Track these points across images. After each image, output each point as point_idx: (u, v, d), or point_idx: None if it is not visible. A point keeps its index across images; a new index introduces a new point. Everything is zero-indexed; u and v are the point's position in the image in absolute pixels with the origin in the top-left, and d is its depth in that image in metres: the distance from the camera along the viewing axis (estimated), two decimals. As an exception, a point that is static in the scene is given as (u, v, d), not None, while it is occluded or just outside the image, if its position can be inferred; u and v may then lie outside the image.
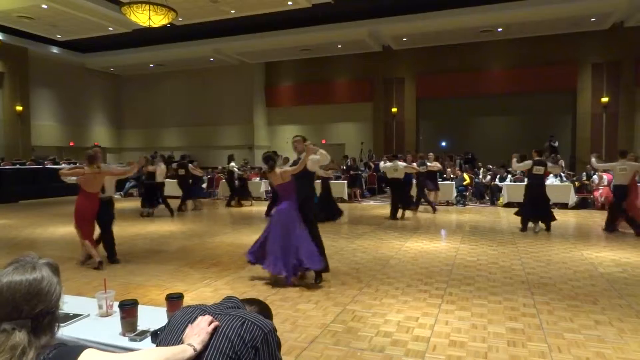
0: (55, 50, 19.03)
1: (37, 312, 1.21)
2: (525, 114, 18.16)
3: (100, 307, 2.20)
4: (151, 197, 11.11)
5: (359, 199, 13.98)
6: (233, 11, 14.28)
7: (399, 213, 10.17)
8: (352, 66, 19.93)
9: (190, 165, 12.15)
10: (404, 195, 10.36)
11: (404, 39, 16.99)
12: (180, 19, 13.71)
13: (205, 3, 13.48)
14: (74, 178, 5.93)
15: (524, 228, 8.26)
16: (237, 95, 20.91)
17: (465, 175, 13.45)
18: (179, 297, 2.08)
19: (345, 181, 14.02)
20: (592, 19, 14.37)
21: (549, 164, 8.00)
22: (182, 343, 1.39)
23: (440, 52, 17.93)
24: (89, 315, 2.18)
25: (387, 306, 4.19)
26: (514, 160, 8.83)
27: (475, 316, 3.90)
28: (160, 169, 11.10)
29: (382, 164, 10.97)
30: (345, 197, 13.76)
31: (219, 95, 21.23)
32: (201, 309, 1.51)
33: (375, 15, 15.42)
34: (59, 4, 13.42)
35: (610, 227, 8.17)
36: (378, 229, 8.81)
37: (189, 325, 1.44)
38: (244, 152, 19.60)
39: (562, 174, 12.43)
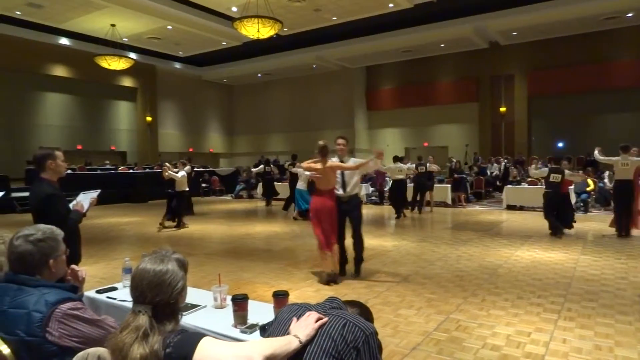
0: (177, 65, 21.31)
1: (157, 300, 1.33)
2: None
3: (215, 299, 2.40)
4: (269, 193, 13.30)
5: (464, 204, 13.35)
6: (334, 18, 14.62)
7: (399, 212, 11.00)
8: (455, 65, 19.16)
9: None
10: (403, 196, 11.26)
11: (514, 34, 15.89)
12: (285, 30, 14.40)
13: (308, 12, 14.00)
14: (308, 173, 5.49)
15: (553, 233, 8.19)
16: (338, 100, 21.31)
17: (589, 180, 12.01)
18: (285, 294, 2.17)
19: (449, 185, 13.51)
20: None
21: (568, 172, 8.14)
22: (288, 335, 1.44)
23: (555, 45, 16.46)
24: (205, 306, 2.39)
25: (494, 318, 3.95)
26: (532, 166, 8.96)
27: (599, 336, 3.50)
28: (180, 176, 9.84)
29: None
30: (449, 201, 13.29)
31: (321, 100, 21.84)
32: (306, 307, 1.57)
33: (480, 11, 14.65)
34: (181, 24, 15.06)
35: (622, 230, 7.87)
36: (484, 235, 8.33)
37: (294, 318, 1.50)
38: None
39: None
